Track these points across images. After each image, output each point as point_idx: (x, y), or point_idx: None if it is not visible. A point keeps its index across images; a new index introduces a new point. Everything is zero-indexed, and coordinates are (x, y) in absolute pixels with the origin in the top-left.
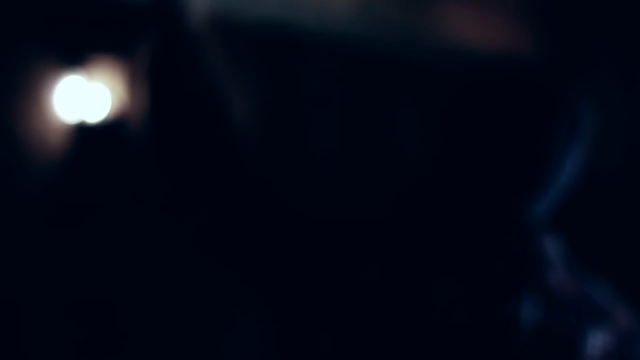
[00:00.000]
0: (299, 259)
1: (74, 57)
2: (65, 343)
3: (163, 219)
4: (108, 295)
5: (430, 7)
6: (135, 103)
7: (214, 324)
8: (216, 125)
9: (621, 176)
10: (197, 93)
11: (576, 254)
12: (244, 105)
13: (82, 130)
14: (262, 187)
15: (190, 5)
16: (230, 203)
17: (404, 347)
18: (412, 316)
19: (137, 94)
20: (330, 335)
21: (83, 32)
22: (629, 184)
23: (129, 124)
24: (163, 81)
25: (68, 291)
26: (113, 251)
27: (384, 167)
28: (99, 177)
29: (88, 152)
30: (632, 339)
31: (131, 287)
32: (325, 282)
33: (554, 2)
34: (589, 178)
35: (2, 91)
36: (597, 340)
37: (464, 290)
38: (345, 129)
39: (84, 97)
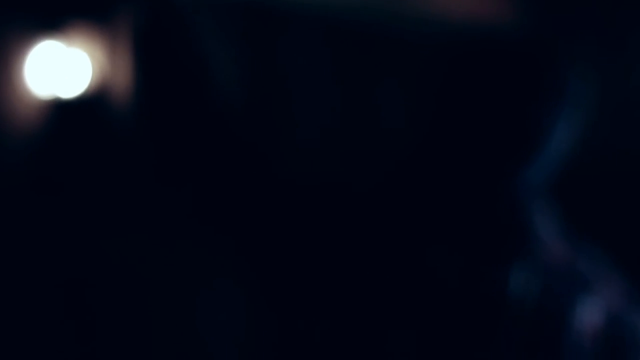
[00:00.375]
0: (287, 226)
1: (51, 22)
2: (45, 311)
3: (147, 190)
4: (85, 269)
5: None
6: (118, 72)
7: (195, 291)
8: (204, 94)
9: (615, 144)
10: (185, 62)
11: (573, 225)
12: (230, 75)
13: (61, 101)
14: (250, 155)
15: None
16: (219, 170)
17: (393, 315)
18: (403, 284)
19: (121, 63)
20: (317, 302)
21: None
22: (623, 151)
23: (111, 95)
24: (151, 49)
25: (46, 268)
26: (93, 225)
27: (372, 137)
28: (77, 152)
29: (66, 124)
30: (622, 313)
31: (113, 260)
32: (313, 249)
33: None
34: (583, 147)
35: None
36: (585, 314)
37: (456, 259)
38: (329, 99)
39: (62, 65)
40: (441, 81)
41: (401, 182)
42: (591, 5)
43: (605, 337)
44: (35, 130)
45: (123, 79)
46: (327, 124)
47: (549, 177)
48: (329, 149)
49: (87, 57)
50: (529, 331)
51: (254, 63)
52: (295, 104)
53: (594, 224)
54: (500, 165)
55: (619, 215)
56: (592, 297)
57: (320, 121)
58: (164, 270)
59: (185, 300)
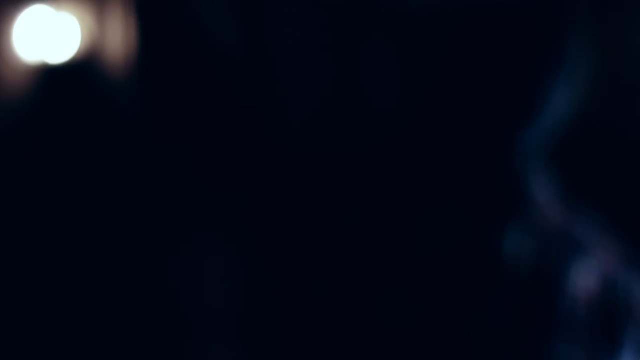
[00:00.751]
0: (284, 186)
1: None
2: (41, 282)
3: (137, 154)
4: (77, 236)
5: None
6: (108, 37)
7: (191, 253)
8: (196, 55)
9: (613, 109)
10: (177, 24)
11: (571, 189)
12: (222, 38)
13: (49, 67)
14: (243, 116)
15: None
16: (217, 133)
17: (388, 277)
18: (399, 246)
19: (110, 27)
20: (311, 267)
21: None
22: (621, 115)
23: (100, 60)
24: (142, 12)
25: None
26: (83, 191)
27: (369, 101)
28: (66, 118)
29: (55, 90)
30: (617, 277)
31: (106, 226)
32: (309, 215)
33: None
34: (586, 113)
35: None
36: (580, 278)
37: (451, 222)
38: (326, 64)
39: (50, 29)
40: (440, 46)
41: (398, 145)
42: None
43: (600, 301)
44: (23, 96)
45: (113, 43)
46: (324, 87)
47: (547, 140)
48: (325, 110)
49: (77, 22)
50: (523, 294)
51: (246, 29)
52: (289, 70)
53: (592, 188)
54: (498, 128)
55: (617, 179)
56: (588, 262)
57: (318, 84)
58: (159, 233)
59: (182, 262)
